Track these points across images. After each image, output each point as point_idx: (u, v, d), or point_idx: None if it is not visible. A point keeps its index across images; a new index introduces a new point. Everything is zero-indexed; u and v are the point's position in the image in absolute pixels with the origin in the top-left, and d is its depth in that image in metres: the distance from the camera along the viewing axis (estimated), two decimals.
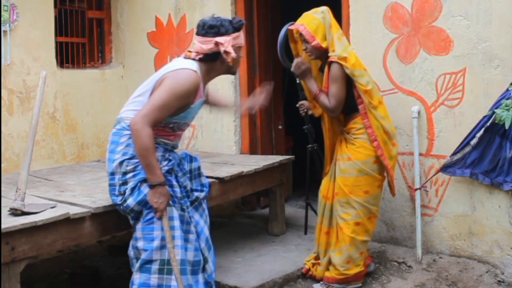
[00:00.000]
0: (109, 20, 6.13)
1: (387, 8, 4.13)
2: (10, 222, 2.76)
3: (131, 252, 2.99)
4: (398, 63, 4.11)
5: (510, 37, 3.61)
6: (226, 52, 2.90)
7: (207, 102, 3.33)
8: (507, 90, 3.57)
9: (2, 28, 5.03)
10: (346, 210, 3.58)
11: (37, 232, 2.84)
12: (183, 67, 2.88)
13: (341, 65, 3.46)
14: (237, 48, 2.97)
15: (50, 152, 5.49)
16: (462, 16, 3.80)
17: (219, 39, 2.89)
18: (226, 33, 2.91)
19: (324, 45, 3.52)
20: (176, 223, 2.94)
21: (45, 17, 5.41)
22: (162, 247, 2.88)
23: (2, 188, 3.40)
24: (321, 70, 3.72)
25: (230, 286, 3.61)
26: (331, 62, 3.50)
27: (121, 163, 2.93)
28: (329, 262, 3.69)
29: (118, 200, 2.97)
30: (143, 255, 2.89)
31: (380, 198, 3.71)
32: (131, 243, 3.00)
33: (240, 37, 2.99)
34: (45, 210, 3.00)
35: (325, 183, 3.77)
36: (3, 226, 2.69)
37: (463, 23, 3.80)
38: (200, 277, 3.05)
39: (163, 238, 2.88)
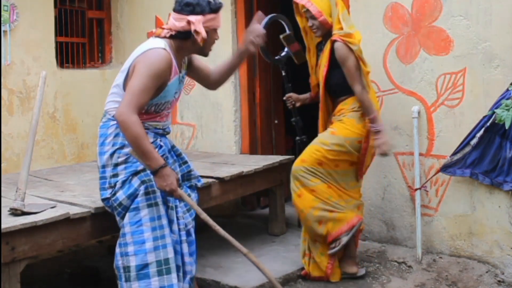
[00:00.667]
0: (109, 20, 6.13)
1: (387, 8, 4.13)
2: (10, 222, 2.76)
3: (118, 262, 2.91)
4: (398, 63, 4.11)
5: (510, 37, 3.61)
6: (196, 32, 2.83)
7: (212, 83, 3.29)
8: (507, 90, 3.57)
9: (2, 28, 5.03)
10: (314, 177, 3.56)
11: (37, 232, 2.84)
12: (150, 47, 2.83)
13: (345, 44, 3.44)
14: (211, 30, 2.91)
15: (50, 152, 5.48)
16: (462, 16, 3.80)
17: (191, 17, 2.83)
18: (201, 13, 2.84)
19: (330, 21, 3.52)
20: (164, 221, 2.90)
21: (45, 17, 5.40)
22: (156, 247, 2.83)
23: (2, 188, 3.40)
24: (318, 47, 3.72)
25: (230, 286, 3.61)
26: (334, 41, 3.48)
27: (111, 154, 2.90)
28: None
29: (108, 193, 2.92)
30: (136, 261, 2.82)
31: (351, 175, 3.68)
32: (117, 251, 2.92)
33: (216, 19, 2.92)
34: (45, 210, 3.00)
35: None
36: (3, 226, 2.69)
37: (463, 23, 3.80)
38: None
39: (155, 238, 2.84)
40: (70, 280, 4.02)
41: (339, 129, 3.56)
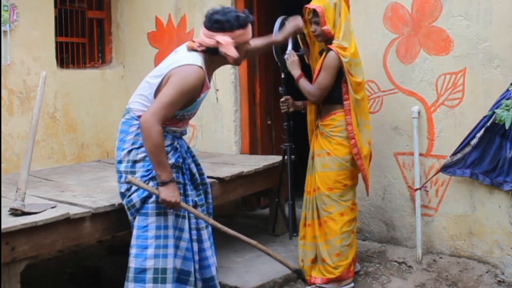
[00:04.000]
0: (109, 20, 6.13)
1: (387, 8, 4.13)
2: (10, 222, 2.76)
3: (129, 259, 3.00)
4: (398, 63, 4.11)
5: (510, 37, 3.61)
6: (227, 55, 2.89)
7: (251, 53, 3.41)
8: (507, 90, 3.57)
9: (2, 28, 5.03)
10: (329, 203, 3.59)
11: (37, 232, 2.84)
12: (188, 63, 2.86)
13: (337, 55, 3.47)
14: (242, 44, 2.95)
15: (50, 152, 5.48)
16: (462, 16, 3.80)
17: (220, 38, 2.86)
18: (230, 29, 2.87)
19: (332, 31, 3.54)
20: (170, 232, 2.95)
21: (45, 17, 5.40)
22: (156, 255, 2.88)
23: (2, 188, 3.40)
24: (320, 53, 3.73)
25: (230, 286, 3.61)
26: (329, 49, 3.52)
27: (129, 151, 2.96)
28: (315, 259, 3.69)
29: (123, 188, 2.99)
30: (135, 264, 2.89)
31: (356, 187, 3.75)
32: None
33: (246, 33, 2.95)
34: (45, 210, 3.00)
35: (307, 179, 3.80)
36: (3, 226, 2.68)
37: (463, 23, 3.80)
38: None
39: (157, 246, 2.89)
40: (70, 280, 4.02)
41: (332, 150, 3.60)
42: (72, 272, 4.10)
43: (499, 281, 3.64)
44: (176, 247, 2.98)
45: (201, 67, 2.87)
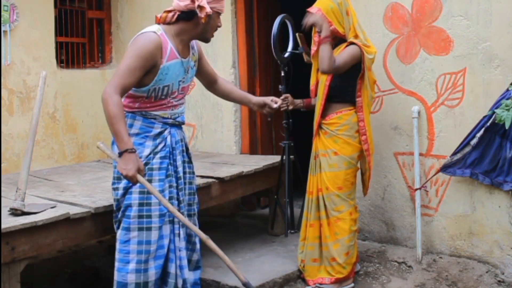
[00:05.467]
0: (109, 20, 6.13)
1: (387, 8, 4.13)
2: (10, 222, 2.76)
3: None
4: (398, 63, 4.11)
5: (510, 37, 3.61)
6: (200, 7, 2.84)
7: (213, 89, 3.39)
8: (507, 90, 3.57)
9: (2, 28, 5.03)
10: (339, 202, 3.60)
11: (37, 232, 2.84)
12: (141, 32, 2.89)
13: (360, 49, 3.47)
14: (215, 14, 2.94)
15: (50, 152, 5.49)
16: (462, 16, 3.80)
17: None
18: None
19: (341, 30, 3.53)
20: (153, 247, 2.90)
21: (45, 17, 5.40)
22: (138, 270, 2.88)
23: (2, 188, 3.40)
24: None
25: (230, 286, 3.61)
26: (351, 43, 3.50)
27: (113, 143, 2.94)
28: (320, 258, 3.69)
29: (115, 183, 2.94)
30: (117, 277, 2.89)
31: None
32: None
33: (220, 3, 2.95)
34: (45, 210, 3.00)
35: (309, 179, 3.79)
36: (3, 226, 2.68)
37: (463, 23, 3.80)
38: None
39: (138, 261, 2.88)
40: (70, 280, 4.02)
41: (340, 149, 3.60)
42: (72, 272, 4.11)
43: (499, 281, 3.64)
44: (160, 257, 2.94)
45: (154, 32, 2.86)
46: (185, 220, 2.87)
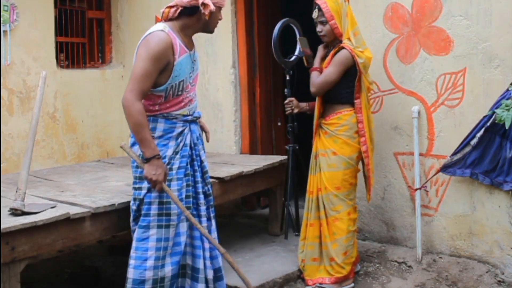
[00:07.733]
0: (109, 20, 6.13)
1: (387, 8, 4.13)
2: (10, 222, 2.76)
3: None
4: (398, 63, 4.11)
5: (510, 37, 3.61)
6: (204, 5, 2.87)
7: None
8: (507, 90, 3.57)
9: (2, 28, 5.03)
10: (337, 202, 3.61)
11: (37, 232, 2.84)
12: (149, 32, 2.92)
13: (351, 54, 3.48)
14: (217, 8, 2.97)
15: (50, 152, 5.49)
16: (462, 16, 3.80)
17: None
18: None
19: (340, 28, 3.55)
20: (170, 243, 2.95)
21: (45, 17, 5.40)
22: (155, 267, 2.90)
23: (2, 188, 3.40)
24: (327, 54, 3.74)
25: (230, 286, 3.60)
26: (342, 47, 3.53)
27: (133, 144, 2.97)
28: (319, 258, 3.69)
29: (136, 184, 2.98)
30: (134, 275, 2.90)
31: (356, 187, 3.78)
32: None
33: None
34: (45, 210, 3.01)
35: (309, 179, 3.80)
36: (3, 226, 2.69)
37: (463, 23, 3.80)
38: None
39: (157, 258, 2.90)
40: (70, 280, 4.02)
41: (339, 150, 3.61)
42: (72, 272, 4.11)
43: (499, 281, 3.64)
44: (176, 254, 2.99)
45: (162, 30, 2.88)
46: (205, 231, 2.97)
